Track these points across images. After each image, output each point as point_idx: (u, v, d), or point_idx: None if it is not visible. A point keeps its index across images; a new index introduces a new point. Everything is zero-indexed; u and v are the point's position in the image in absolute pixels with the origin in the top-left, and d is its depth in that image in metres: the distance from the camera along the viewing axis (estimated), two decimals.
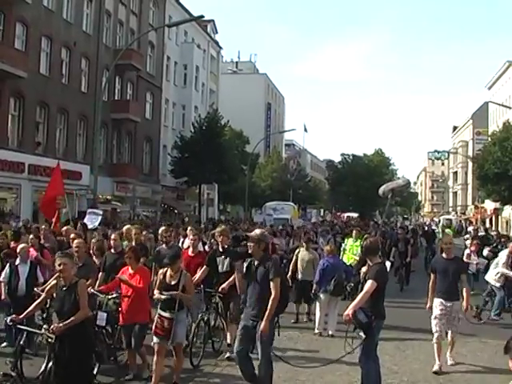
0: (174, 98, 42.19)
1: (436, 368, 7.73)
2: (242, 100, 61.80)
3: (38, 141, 26.44)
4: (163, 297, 6.80)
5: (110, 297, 7.47)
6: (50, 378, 5.82)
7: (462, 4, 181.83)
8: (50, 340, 5.70)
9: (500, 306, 11.41)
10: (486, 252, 16.29)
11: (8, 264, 8.82)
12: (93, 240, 9.83)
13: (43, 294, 6.36)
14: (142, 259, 7.97)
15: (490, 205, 53.72)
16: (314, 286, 10.49)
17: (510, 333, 4.53)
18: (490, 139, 43.28)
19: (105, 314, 7.24)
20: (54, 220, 14.79)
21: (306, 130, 76.43)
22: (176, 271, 6.95)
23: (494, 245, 18.55)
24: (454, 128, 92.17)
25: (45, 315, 7.65)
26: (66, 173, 20.77)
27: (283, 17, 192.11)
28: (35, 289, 7.75)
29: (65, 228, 12.82)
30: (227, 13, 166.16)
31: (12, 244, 10.43)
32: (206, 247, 12.34)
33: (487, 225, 52.45)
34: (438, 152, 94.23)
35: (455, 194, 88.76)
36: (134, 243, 10.04)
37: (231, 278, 8.28)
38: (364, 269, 7.14)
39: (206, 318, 8.34)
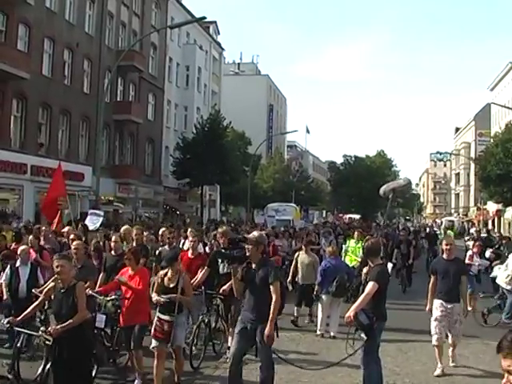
0: (176, 100, 42.22)
1: (438, 372, 7.63)
2: (244, 101, 61.82)
3: (41, 142, 26.44)
4: (162, 300, 6.75)
5: (108, 299, 7.41)
6: (47, 380, 5.78)
7: (461, 4, 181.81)
8: (47, 342, 5.66)
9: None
10: (488, 253, 16.26)
11: (8, 266, 8.77)
12: (92, 241, 9.82)
13: (41, 296, 6.32)
14: (142, 260, 7.93)
15: (492, 206, 53.58)
16: (316, 287, 10.49)
17: None
18: (492, 140, 43.28)
19: (104, 316, 7.21)
20: (55, 221, 14.77)
21: (308, 131, 76.65)
22: (174, 273, 6.89)
23: (497, 246, 18.51)
24: (457, 129, 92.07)
25: (43, 317, 7.61)
26: (67, 174, 20.74)
27: (283, 17, 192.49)
28: (33, 290, 7.71)
29: (66, 229, 12.81)
30: (229, 14, 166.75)
31: (13, 245, 10.41)
32: (207, 249, 12.29)
33: (489, 226, 52.34)
34: (441, 153, 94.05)
35: (457, 195, 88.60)
36: (134, 244, 10.01)
37: (232, 280, 8.22)
38: (365, 269, 7.11)
39: (206, 320, 8.30)
